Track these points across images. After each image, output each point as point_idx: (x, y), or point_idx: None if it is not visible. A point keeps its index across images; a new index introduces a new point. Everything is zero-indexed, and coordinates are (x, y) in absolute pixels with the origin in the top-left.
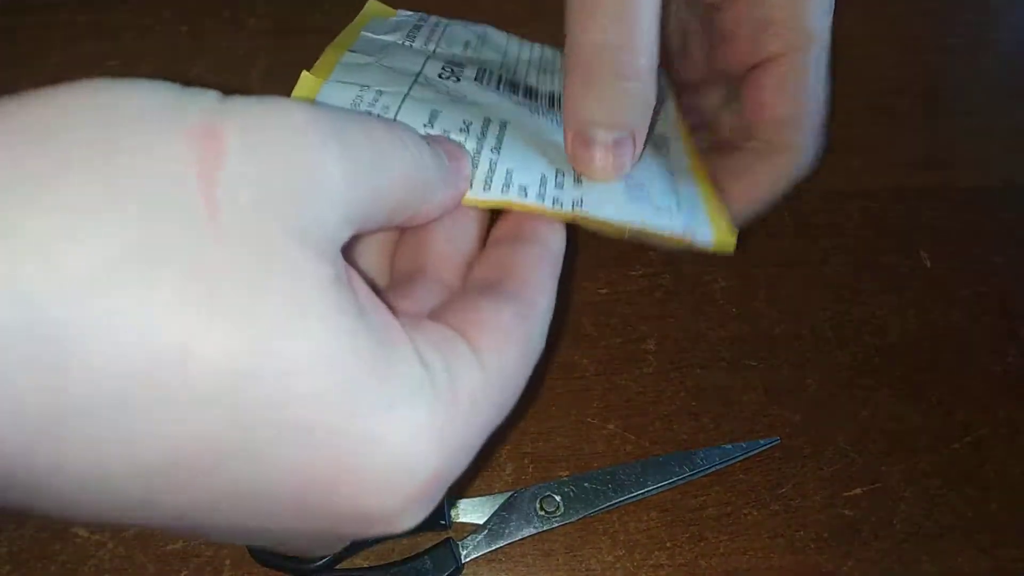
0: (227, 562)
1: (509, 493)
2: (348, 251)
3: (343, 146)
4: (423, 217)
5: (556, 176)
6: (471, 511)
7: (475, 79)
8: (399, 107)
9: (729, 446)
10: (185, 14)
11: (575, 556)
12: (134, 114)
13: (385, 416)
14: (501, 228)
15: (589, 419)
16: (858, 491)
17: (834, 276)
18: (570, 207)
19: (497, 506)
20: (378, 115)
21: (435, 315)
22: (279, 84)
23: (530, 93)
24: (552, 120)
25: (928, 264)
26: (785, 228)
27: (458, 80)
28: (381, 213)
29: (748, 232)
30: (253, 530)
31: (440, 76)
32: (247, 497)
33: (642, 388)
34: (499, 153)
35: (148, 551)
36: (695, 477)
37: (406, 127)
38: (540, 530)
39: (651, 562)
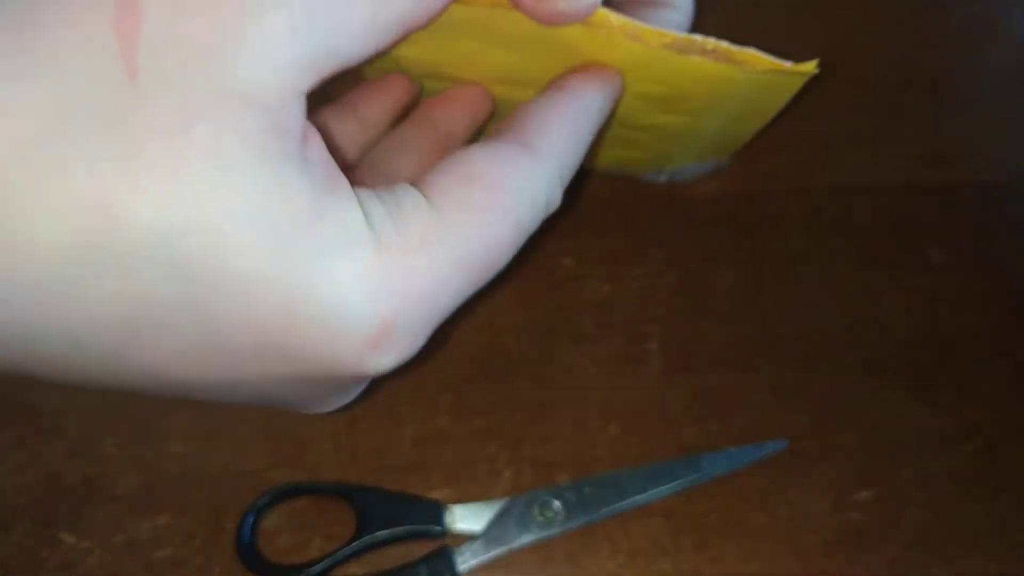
0: (216, 569)
1: (507, 499)
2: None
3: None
4: (418, 21)
5: None
6: (467, 518)
7: None
8: None
9: (735, 450)
10: None
11: (576, 563)
12: None
13: (319, 263)
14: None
15: (590, 422)
16: (866, 494)
17: (842, 274)
18: None
19: (494, 513)
20: None
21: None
22: None
23: None
24: None
25: (937, 261)
26: (793, 224)
27: None
28: (348, 43)
29: (755, 228)
30: (227, 383)
31: None
32: (207, 350)
33: (645, 390)
34: None
35: (137, 558)
36: (700, 482)
37: None
38: (539, 537)
39: (655, 569)
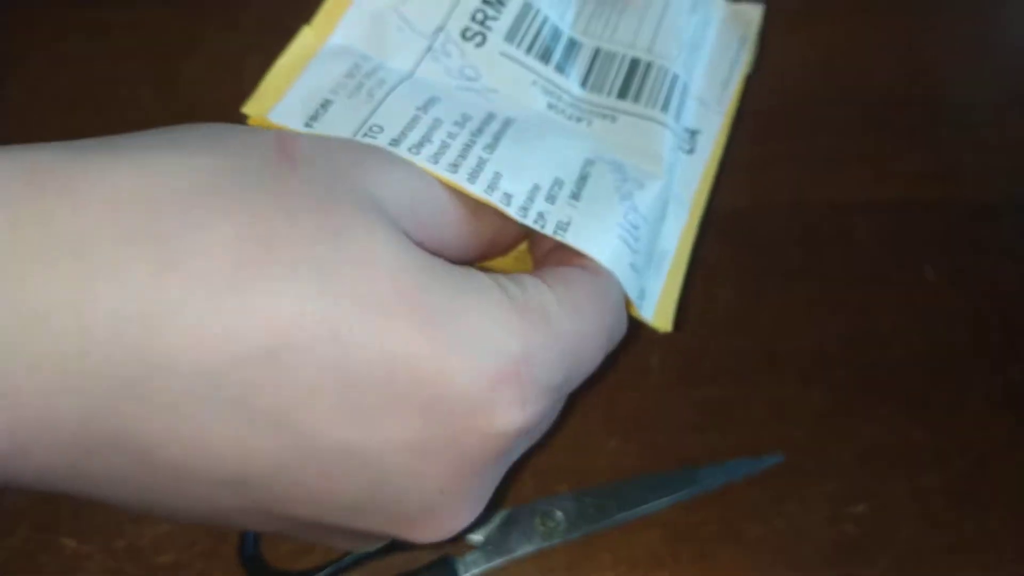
0: (217, 575)
1: (509, 509)
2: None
3: (406, 167)
4: (499, 248)
5: (551, 188)
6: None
7: (505, 38)
8: (393, 88)
9: (733, 462)
10: (176, 10)
11: (576, 573)
12: (236, 129)
13: (460, 309)
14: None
15: (591, 433)
16: (861, 508)
17: (838, 290)
18: (552, 229)
19: (497, 522)
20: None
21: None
22: None
23: (569, 53)
24: (573, 116)
25: (932, 278)
26: (790, 241)
27: (483, 42)
28: (447, 235)
29: (753, 244)
30: (365, 449)
31: (464, 35)
32: (347, 404)
33: (645, 402)
34: (492, 153)
35: (138, 563)
36: (698, 494)
37: None
38: (541, 547)
39: None
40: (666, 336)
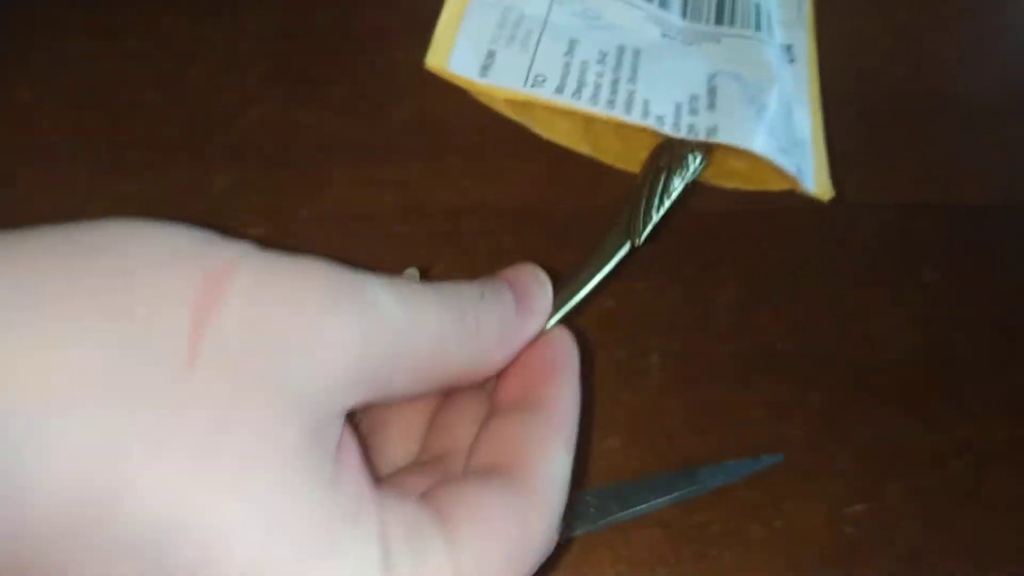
0: None
1: None
2: (379, 412)
3: (358, 312)
4: (472, 380)
5: (690, 103)
6: None
7: None
8: (540, 35)
9: (732, 462)
10: (183, 14)
11: (577, 572)
12: (159, 252)
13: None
14: (505, 391)
15: (592, 433)
16: (859, 508)
17: (837, 292)
18: (704, 134)
19: None
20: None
21: (429, 495)
22: (279, 86)
23: None
24: (685, 41)
25: (931, 281)
26: (791, 242)
27: None
28: (403, 382)
29: (754, 246)
30: None
31: None
32: None
33: (645, 403)
34: (635, 84)
35: None
36: (698, 493)
37: (460, 291)
38: None
39: None
40: (665, 338)
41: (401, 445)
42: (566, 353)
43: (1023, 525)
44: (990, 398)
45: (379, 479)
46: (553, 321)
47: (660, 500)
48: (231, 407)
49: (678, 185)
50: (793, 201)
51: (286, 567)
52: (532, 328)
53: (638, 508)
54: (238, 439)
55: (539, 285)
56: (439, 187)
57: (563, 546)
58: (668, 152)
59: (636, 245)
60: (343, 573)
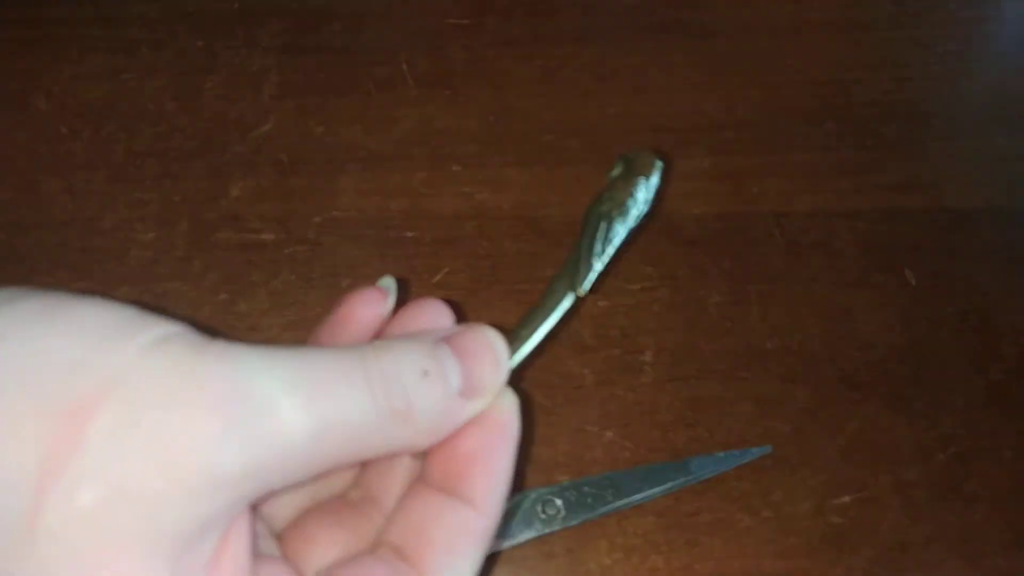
0: None
1: (511, 497)
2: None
3: (245, 433)
4: (396, 456)
5: None
6: None
7: None
8: None
9: (722, 454)
10: (199, 30)
11: (575, 558)
12: (27, 370)
13: None
14: (433, 466)
15: (588, 427)
16: (846, 499)
17: (824, 293)
18: None
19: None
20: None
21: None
22: (290, 98)
23: None
24: None
25: (914, 282)
26: (776, 247)
27: None
28: (312, 473)
29: (741, 249)
30: None
31: None
32: None
33: (639, 398)
34: None
35: None
36: (690, 483)
37: (400, 366)
38: (541, 533)
39: (648, 565)
40: (658, 336)
41: (338, 476)
42: (502, 436)
43: (1005, 516)
44: (972, 393)
45: (282, 540)
46: None
47: (654, 490)
48: (77, 569)
49: (621, 232)
50: (777, 208)
51: None
52: (472, 412)
53: (633, 498)
54: None
55: (493, 362)
56: (443, 194)
57: None
58: (610, 198)
59: (580, 296)
60: None
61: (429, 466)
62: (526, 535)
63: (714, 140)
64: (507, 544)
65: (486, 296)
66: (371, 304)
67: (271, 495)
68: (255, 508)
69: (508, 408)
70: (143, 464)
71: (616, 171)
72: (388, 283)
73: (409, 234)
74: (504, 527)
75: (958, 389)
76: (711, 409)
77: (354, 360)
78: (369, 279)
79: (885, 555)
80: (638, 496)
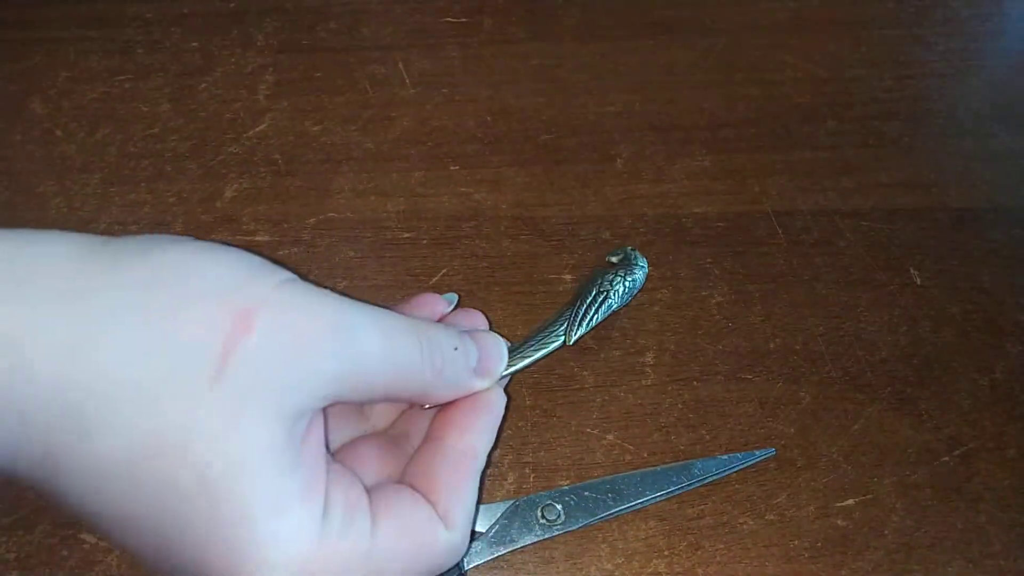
0: None
1: (511, 501)
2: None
3: (343, 350)
4: (421, 402)
5: None
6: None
7: None
8: None
9: (725, 457)
10: (195, 31)
11: (575, 564)
12: (206, 286)
13: (267, 524)
14: (442, 421)
15: (589, 430)
16: (850, 502)
17: (826, 293)
18: None
19: (499, 514)
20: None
21: (373, 489)
22: (285, 98)
23: None
24: None
25: (918, 281)
26: (778, 246)
27: None
28: (367, 396)
29: (743, 249)
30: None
31: None
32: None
33: (641, 400)
34: None
35: None
36: (692, 487)
37: (442, 337)
38: (541, 538)
39: (650, 570)
40: (659, 338)
41: (385, 412)
42: (494, 409)
43: (1011, 518)
44: (978, 394)
45: (349, 445)
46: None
47: (656, 494)
48: (238, 414)
49: (608, 307)
50: (779, 207)
51: (249, 509)
52: (479, 386)
53: (635, 502)
54: (236, 435)
55: (499, 359)
56: (440, 194)
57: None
58: (609, 280)
59: (568, 343)
60: (288, 525)
61: (438, 420)
62: (525, 540)
63: (714, 138)
64: (505, 550)
65: (484, 297)
66: (436, 304)
67: (341, 401)
68: (325, 414)
69: (499, 395)
70: (281, 357)
71: (616, 257)
72: (451, 297)
73: (406, 235)
74: (504, 532)
75: (963, 389)
76: (713, 411)
77: (414, 326)
78: (365, 281)
79: (890, 557)
80: (640, 500)
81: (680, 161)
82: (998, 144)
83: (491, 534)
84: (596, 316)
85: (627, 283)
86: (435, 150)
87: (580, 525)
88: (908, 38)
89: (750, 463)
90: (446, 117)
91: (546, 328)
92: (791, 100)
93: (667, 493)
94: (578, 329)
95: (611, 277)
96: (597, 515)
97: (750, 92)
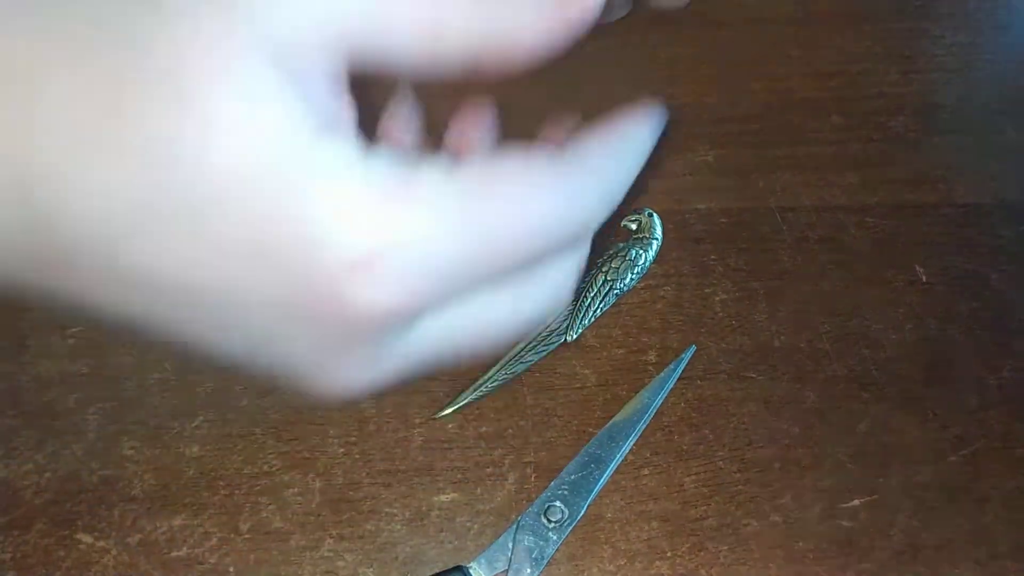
0: (231, 569)
1: (514, 525)
2: None
3: None
4: (495, 61)
5: None
6: (489, 562)
7: None
8: None
9: (660, 375)
10: None
11: (577, 565)
12: None
13: (311, 180)
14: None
15: (591, 429)
16: (856, 503)
17: (832, 290)
18: None
19: (510, 545)
20: None
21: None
22: None
23: None
24: None
25: (924, 279)
26: (783, 243)
27: None
28: (399, 45)
29: (748, 245)
30: (216, 293)
31: None
32: (199, 243)
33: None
34: None
35: (152, 558)
36: (651, 416)
37: None
38: (560, 541)
39: (652, 571)
40: (662, 336)
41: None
42: (645, 123)
43: (1019, 519)
44: (985, 393)
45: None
46: (478, 393)
47: (628, 441)
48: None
49: (614, 296)
50: (784, 203)
51: (274, 157)
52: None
53: (615, 459)
54: (230, 72)
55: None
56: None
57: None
58: (610, 259)
59: (568, 340)
60: (324, 162)
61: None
62: (550, 552)
63: (718, 133)
64: (540, 569)
65: None
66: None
67: (363, 56)
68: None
69: (653, 115)
70: None
71: (633, 224)
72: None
73: None
74: (527, 555)
75: (970, 388)
76: (717, 410)
77: None
78: None
79: (896, 559)
80: (619, 454)
81: (683, 156)
82: (1006, 139)
83: (512, 567)
84: (599, 307)
85: (637, 265)
86: (434, 146)
87: (585, 508)
88: (915, 31)
89: (681, 368)
90: (444, 112)
91: (547, 325)
92: (796, 95)
93: (637, 435)
94: (578, 325)
95: (618, 263)
96: (593, 490)
97: (754, 86)
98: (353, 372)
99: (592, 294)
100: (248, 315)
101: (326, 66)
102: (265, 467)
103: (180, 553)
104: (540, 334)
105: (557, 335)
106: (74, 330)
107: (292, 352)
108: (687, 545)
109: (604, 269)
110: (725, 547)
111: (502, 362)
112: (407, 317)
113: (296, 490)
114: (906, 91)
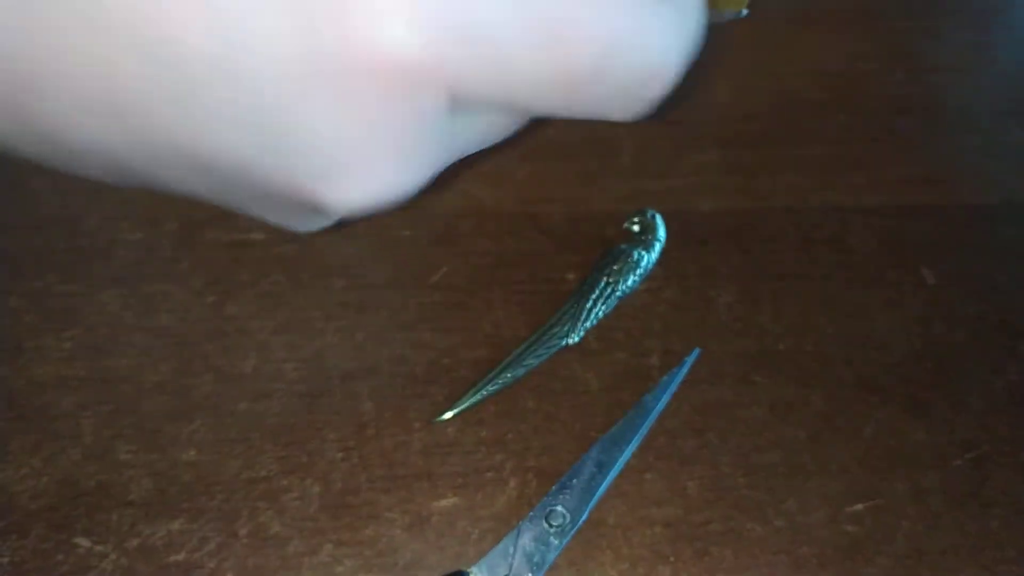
0: (228, 573)
1: (514, 531)
2: None
3: None
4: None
5: None
6: (490, 569)
7: None
8: None
9: (664, 377)
10: None
11: (579, 570)
12: None
13: None
14: None
15: (593, 434)
16: (861, 507)
17: (837, 292)
18: None
19: (511, 551)
20: None
21: None
22: None
23: None
24: None
25: (930, 281)
26: (788, 244)
27: None
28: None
29: (752, 247)
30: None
31: None
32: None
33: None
34: None
35: (150, 562)
36: (655, 420)
37: None
38: (562, 544)
39: None
40: (665, 339)
41: None
42: None
43: None
44: (991, 397)
45: None
46: (479, 397)
47: (631, 445)
48: None
49: (615, 298)
50: (789, 203)
51: None
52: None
53: (619, 461)
54: None
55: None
56: (440, 191)
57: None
58: (611, 261)
59: (570, 343)
60: None
61: None
62: (551, 557)
63: (722, 133)
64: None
65: (486, 297)
66: None
67: None
68: None
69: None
70: None
71: (635, 225)
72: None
73: (405, 232)
74: (529, 559)
75: (976, 392)
76: (721, 414)
77: None
78: (363, 280)
79: (901, 564)
80: (622, 456)
81: (687, 156)
82: (1013, 140)
83: (516, 569)
84: (601, 310)
85: (640, 267)
86: None
87: (587, 512)
88: (920, 31)
89: (685, 372)
90: None
91: (546, 330)
92: (801, 94)
93: (642, 435)
94: (580, 328)
95: (621, 266)
96: (594, 493)
97: (759, 86)
98: (380, 156)
99: (594, 296)
100: (242, 97)
101: None
102: (263, 472)
103: (179, 557)
104: (541, 337)
105: (558, 338)
106: (70, 333)
107: (304, 143)
108: (690, 550)
109: (606, 271)
110: (729, 552)
111: (502, 365)
112: (445, 76)
113: (294, 495)
114: (913, 91)
